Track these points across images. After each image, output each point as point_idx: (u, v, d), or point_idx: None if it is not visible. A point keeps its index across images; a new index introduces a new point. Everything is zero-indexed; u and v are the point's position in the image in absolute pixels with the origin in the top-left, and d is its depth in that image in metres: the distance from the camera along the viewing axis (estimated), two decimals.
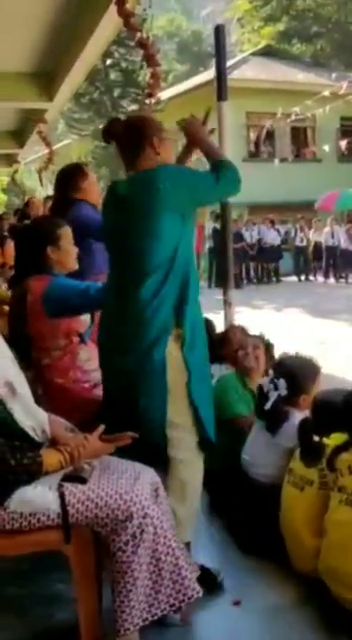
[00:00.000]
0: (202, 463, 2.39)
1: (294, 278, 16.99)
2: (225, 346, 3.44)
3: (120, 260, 2.33)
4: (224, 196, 2.48)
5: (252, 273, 16.75)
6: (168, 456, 2.27)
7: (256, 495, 2.72)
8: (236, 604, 2.33)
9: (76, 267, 2.76)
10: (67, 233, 2.71)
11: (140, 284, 2.21)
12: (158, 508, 1.98)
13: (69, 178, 3.44)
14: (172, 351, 2.22)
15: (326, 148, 15.24)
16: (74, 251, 2.73)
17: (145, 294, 2.20)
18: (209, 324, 3.97)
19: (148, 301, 2.20)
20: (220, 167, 2.32)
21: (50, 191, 13.03)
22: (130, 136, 2.33)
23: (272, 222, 16.78)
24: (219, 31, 3.30)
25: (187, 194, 2.23)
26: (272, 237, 16.62)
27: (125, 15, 4.12)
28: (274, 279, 16.85)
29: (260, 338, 3.39)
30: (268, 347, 3.35)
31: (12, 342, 2.16)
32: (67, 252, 2.69)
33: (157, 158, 2.30)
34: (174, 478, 2.30)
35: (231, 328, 3.62)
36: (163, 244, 2.20)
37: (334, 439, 2.39)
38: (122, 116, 2.72)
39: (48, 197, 9.95)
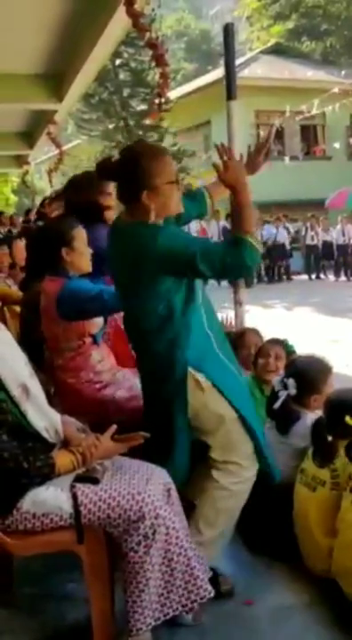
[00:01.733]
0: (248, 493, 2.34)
1: (305, 277, 16.92)
2: (240, 349, 3.39)
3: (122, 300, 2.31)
4: (221, 277, 2.17)
5: (262, 271, 16.71)
6: (213, 477, 2.25)
7: (267, 495, 2.71)
8: (249, 603, 2.33)
9: (90, 268, 2.73)
10: (80, 234, 2.68)
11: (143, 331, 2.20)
12: (170, 509, 1.99)
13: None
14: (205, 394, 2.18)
15: (336, 145, 15.19)
16: (88, 252, 2.69)
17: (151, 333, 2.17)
18: None
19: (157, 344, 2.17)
20: (239, 245, 2.07)
21: None
22: (123, 180, 2.18)
23: (278, 219, 16.67)
24: (228, 30, 3.28)
25: (180, 266, 2.08)
26: (281, 236, 16.56)
27: (134, 15, 4.12)
28: (284, 278, 16.80)
29: (283, 344, 3.26)
30: (290, 354, 3.22)
31: (23, 343, 2.16)
32: (81, 254, 2.66)
33: (151, 207, 2.10)
34: (210, 506, 2.26)
35: (247, 331, 3.56)
36: (150, 302, 2.13)
37: None
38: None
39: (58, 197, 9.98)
